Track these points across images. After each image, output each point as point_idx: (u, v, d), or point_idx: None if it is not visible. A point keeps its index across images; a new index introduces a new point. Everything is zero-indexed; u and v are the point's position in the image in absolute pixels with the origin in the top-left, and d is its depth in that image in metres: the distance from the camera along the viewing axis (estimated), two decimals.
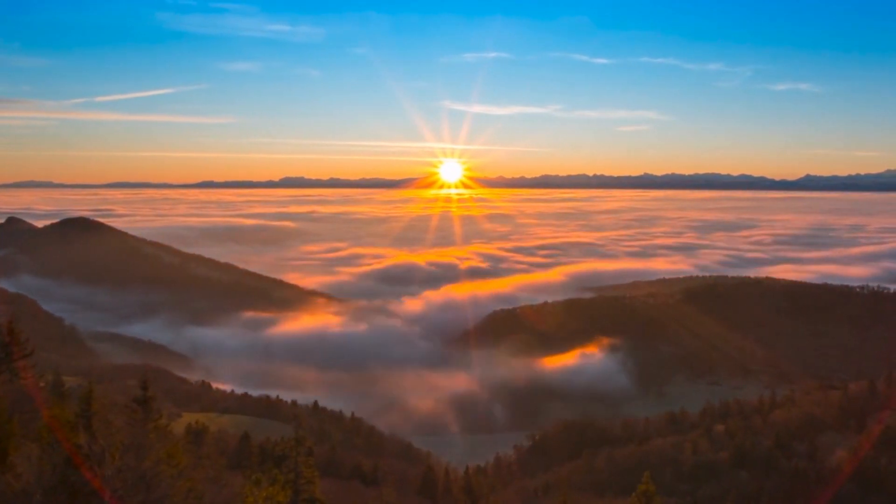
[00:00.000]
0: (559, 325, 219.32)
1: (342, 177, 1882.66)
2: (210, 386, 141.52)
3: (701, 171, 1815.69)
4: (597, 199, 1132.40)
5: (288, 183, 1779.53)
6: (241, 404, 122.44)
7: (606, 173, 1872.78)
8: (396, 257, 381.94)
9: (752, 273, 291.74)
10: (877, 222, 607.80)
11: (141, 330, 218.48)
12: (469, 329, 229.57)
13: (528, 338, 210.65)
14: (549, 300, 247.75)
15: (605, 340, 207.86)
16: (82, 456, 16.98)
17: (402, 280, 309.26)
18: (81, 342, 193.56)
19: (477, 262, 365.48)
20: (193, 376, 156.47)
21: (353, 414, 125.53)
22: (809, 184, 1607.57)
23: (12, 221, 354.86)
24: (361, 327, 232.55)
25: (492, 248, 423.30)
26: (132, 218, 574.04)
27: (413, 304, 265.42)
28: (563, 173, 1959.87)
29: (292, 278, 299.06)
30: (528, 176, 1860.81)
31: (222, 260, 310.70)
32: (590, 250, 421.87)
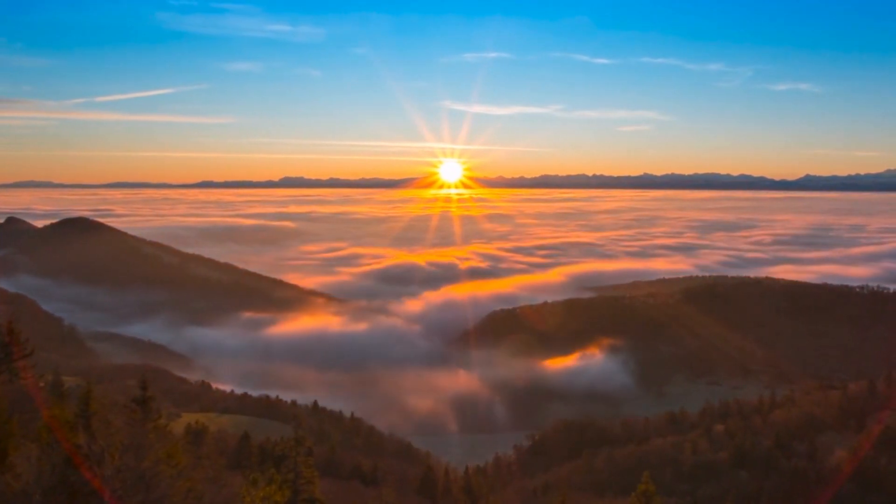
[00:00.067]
0: (559, 326, 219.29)
1: (342, 177, 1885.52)
2: (210, 386, 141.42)
3: (701, 171, 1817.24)
4: (596, 199, 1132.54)
5: (287, 183, 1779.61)
6: (240, 404, 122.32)
7: (606, 173, 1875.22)
8: (396, 257, 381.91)
9: (752, 273, 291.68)
10: (877, 222, 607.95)
11: (140, 330, 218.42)
12: (469, 329, 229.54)
13: (527, 338, 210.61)
14: (549, 300, 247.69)
15: (605, 340, 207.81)
16: (82, 456, 16.96)
17: (402, 280, 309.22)
18: (81, 342, 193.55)
19: (476, 262, 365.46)
20: (193, 376, 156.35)
21: (352, 414, 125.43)
22: (809, 184, 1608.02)
23: (12, 221, 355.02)
24: (361, 327, 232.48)
25: (491, 249, 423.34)
26: (131, 218, 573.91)
27: (412, 304, 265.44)
28: (562, 173, 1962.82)
29: (292, 278, 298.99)
30: (528, 176, 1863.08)
31: (222, 260, 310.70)
32: (589, 250, 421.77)
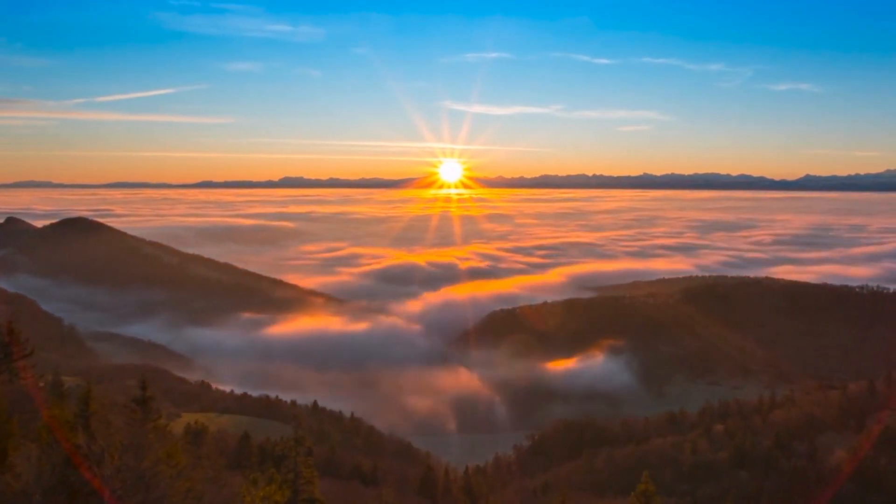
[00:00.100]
0: (559, 326, 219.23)
1: (341, 177, 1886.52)
2: (209, 386, 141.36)
3: (701, 172, 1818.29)
4: (596, 199, 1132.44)
5: (287, 183, 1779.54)
6: (240, 404, 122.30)
7: (606, 173, 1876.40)
8: (396, 257, 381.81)
9: (752, 273, 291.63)
10: (877, 222, 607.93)
11: (140, 330, 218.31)
12: (468, 329, 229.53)
13: (527, 338, 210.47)
14: (549, 300, 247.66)
15: (605, 341, 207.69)
16: (81, 456, 16.95)
17: (402, 280, 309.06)
18: (81, 342, 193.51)
19: (476, 263, 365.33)
20: (193, 376, 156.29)
21: (352, 414, 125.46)
22: (809, 184, 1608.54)
23: (11, 221, 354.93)
24: (361, 327, 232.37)
25: (491, 249, 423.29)
26: (131, 218, 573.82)
27: (412, 305, 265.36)
28: (562, 173, 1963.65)
29: (291, 278, 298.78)
30: (528, 176, 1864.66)
31: (221, 260, 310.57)
32: (589, 250, 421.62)
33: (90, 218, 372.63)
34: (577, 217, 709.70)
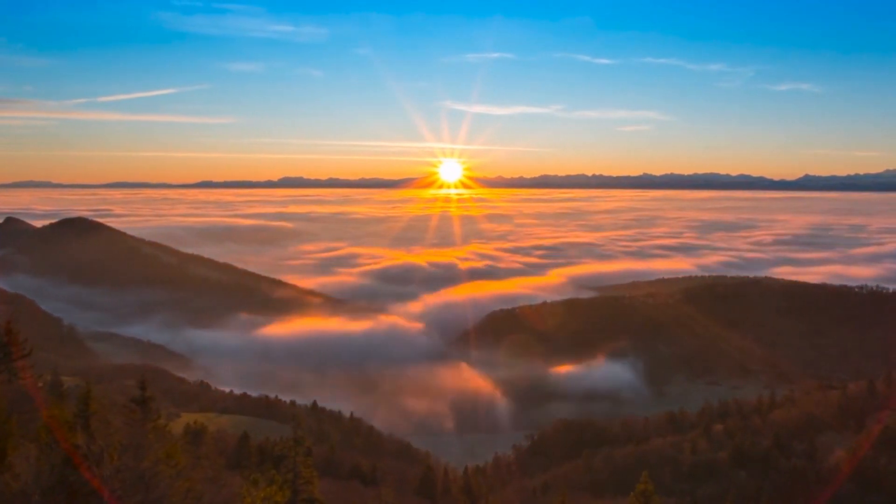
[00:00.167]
0: (558, 326, 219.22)
1: (341, 177, 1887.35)
2: (209, 386, 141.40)
3: (700, 172, 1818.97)
4: (596, 199, 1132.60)
5: (287, 183, 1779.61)
6: (239, 404, 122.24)
7: (606, 173, 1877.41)
8: (395, 257, 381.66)
9: (752, 273, 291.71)
10: (877, 222, 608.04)
11: (139, 330, 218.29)
12: (468, 329, 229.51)
13: (527, 338, 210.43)
14: (549, 300, 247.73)
15: (605, 341, 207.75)
16: (81, 456, 16.93)
17: (401, 280, 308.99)
18: (80, 342, 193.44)
19: (476, 263, 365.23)
20: (192, 376, 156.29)
21: (351, 414, 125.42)
22: (809, 184, 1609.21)
23: (11, 221, 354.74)
24: (360, 327, 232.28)
25: (491, 249, 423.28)
26: (131, 218, 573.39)
27: (412, 305, 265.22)
28: (562, 173, 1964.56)
29: (291, 278, 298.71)
30: (528, 176, 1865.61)
31: (221, 260, 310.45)
32: (589, 250, 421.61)
33: (90, 218, 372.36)
34: (576, 217, 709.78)
